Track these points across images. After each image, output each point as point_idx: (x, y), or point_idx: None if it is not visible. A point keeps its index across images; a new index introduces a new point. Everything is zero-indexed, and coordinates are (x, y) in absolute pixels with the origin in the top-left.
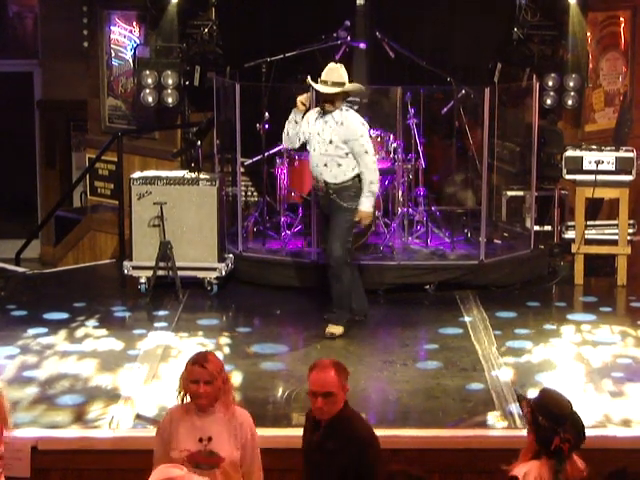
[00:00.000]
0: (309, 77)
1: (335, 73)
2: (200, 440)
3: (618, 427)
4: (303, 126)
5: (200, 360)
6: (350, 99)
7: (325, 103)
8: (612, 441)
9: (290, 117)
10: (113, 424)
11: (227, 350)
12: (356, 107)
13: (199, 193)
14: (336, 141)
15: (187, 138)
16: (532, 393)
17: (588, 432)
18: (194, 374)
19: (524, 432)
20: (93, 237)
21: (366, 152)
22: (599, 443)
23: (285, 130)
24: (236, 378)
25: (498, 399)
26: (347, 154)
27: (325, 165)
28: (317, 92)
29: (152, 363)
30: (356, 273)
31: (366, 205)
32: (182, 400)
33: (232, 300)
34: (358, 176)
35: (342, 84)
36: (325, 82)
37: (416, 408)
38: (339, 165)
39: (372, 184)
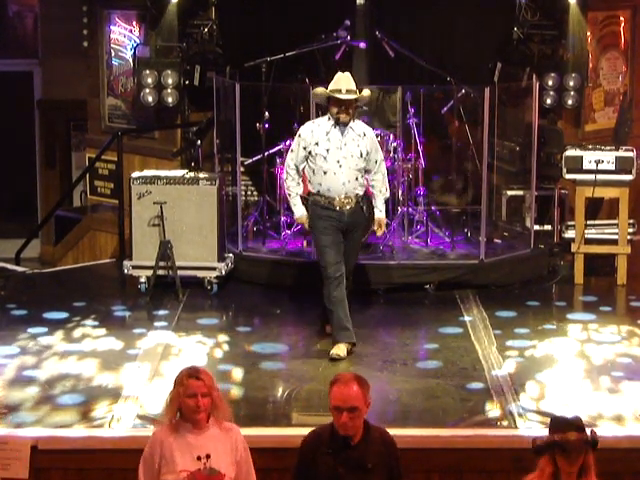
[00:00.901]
0: (322, 88)
1: (347, 81)
2: (199, 458)
3: (617, 426)
4: (301, 146)
5: (195, 373)
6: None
7: (341, 114)
8: (613, 440)
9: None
10: (113, 423)
11: (227, 349)
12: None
13: (199, 193)
14: (365, 154)
15: (187, 138)
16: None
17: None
18: (191, 387)
19: (524, 432)
20: (93, 237)
21: (382, 160)
22: (606, 442)
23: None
24: (236, 377)
25: (498, 398)
26: None
27: (357, 179)
28: (332, 102)
29: (152, 362)
30: None
31: (384, 211)
32: (171, 420)
33: (232, 299)
34: None
35: (355, 91)
36: (339, 91)
37: (416, 407)
38: (363, 177)
39: (387, 191)
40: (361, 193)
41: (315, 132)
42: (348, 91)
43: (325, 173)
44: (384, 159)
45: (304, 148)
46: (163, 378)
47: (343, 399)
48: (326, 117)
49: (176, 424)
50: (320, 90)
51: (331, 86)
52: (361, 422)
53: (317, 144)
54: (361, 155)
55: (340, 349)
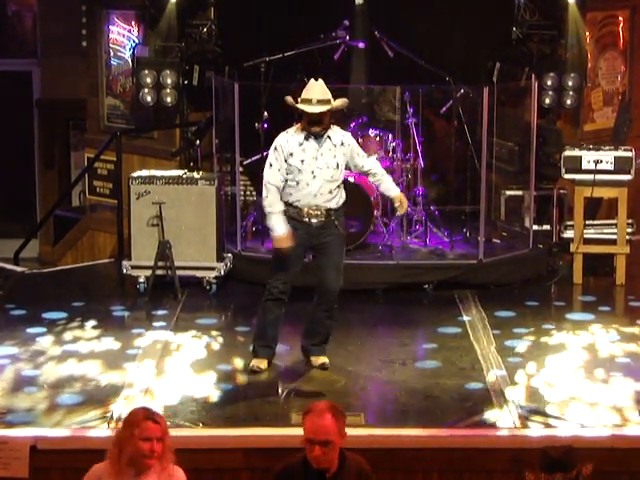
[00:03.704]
0: (290, 98)
1: (319, 90)
2: None
3: (616, 425)
4: (281, 158)
5: (152, 415)
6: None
7: (312, 126)
8: (611, 440)
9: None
10: (112, 423)
11: (226, 349)
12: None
13: (198, 192)
14: (341, 164)
15: (186, 137)
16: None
17: (589, 432)
18: (148, 431)
19: (522, 431)
20: (92, 236)
21: (369, 155)
22: (604, 442)
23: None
24: (235, 377)
25: (497, 398)
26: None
27: (330, 192)
28: (303, 113)
29: (151, 362)
30: None
31: (397, 189)
32: (117, 461)
33: (231, 299)
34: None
35: (328, 101)
36: (309, 101)
37: (415, 407)
38: (339, 188)
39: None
40: (333, 207)
41: (290, 142)
42: (319, 101)
43: (298, 184)
44: (383, 158)
45: (285, 160)
46: (162, 378)
47: (315, 432)
48: (298, 126)
49: (116, 466)
50: (290, 100)
51: (302, 96)
52: (336, 454)
53: (292, 155)
54: (337, 166)
55: (261, 362)
